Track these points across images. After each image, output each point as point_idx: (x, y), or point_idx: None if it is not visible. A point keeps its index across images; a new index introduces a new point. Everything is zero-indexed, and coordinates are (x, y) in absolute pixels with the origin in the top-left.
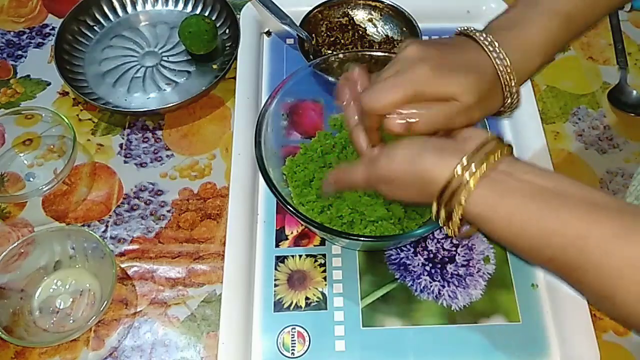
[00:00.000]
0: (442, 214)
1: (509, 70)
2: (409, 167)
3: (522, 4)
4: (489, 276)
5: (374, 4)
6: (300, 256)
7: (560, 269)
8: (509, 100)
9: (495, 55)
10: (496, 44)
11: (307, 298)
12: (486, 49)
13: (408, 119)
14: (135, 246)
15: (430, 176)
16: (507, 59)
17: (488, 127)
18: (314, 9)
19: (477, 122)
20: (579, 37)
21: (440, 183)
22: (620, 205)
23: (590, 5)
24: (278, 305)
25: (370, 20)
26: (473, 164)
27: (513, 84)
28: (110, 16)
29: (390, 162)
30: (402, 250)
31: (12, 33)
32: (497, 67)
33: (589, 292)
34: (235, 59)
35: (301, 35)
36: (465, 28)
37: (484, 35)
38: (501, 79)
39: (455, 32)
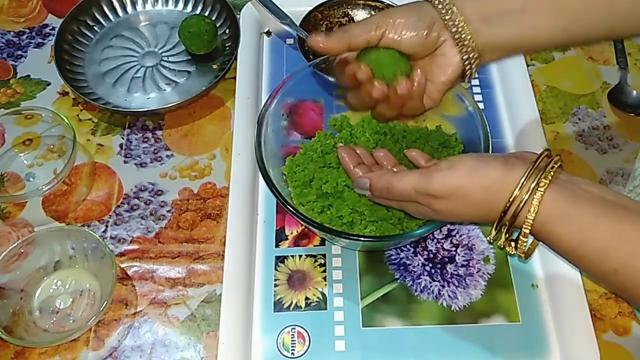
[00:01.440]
0: (506, 228)
1: (457, 23)
2: (475, 176)
3: None
4: (489, 276)
5: (374, 4)
6: (300, 256)
7: (625, 282)
8: (465, 56)
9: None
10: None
11: (307, 298)
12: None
13: None
14: (135, 246)
15: (498, 186)
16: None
17: (488, 126)
18: (314, 9)
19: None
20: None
21: (508, 192)
22: None
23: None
24: (278, 305)
25: None
26: (540, 172)
27: (460, 30)
28: (110, 16)
29: (453, 171)
30: (402, 250)
31: (12, 33)
32: (442, 17)
33: None
34: (235, 59)
35: (301, 35)
36: None
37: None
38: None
39: None
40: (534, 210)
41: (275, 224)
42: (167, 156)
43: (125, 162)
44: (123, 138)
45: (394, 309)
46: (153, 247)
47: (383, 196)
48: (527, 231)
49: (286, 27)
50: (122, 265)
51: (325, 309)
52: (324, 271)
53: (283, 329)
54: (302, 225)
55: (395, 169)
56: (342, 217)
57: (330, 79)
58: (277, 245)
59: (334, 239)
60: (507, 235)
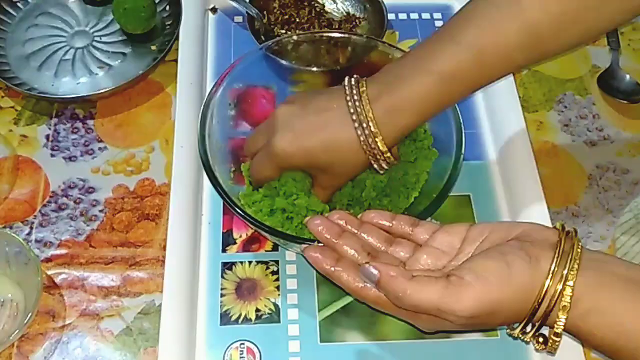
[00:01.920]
0: (535, 328)
1: (372, 138)
2: (508, 285)
3: (408, 58)
4: None
5: None
6: (249, 263)
7: None
8: (375, 165)
9: (357, 124)
10: (364, 104)
11: (257, 310)
12: (351, 117)
13: None
14: (63, 250)
15: (529, 288)
16: (370, 126)
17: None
18: None
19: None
20: (469, 95)
21: (537, 290)
22: None
23: (479, 66)
24: (225, 318)
25: None
26: (566, 262)
27: (377, 149)
28: None
29: (484, 284)
30: None
31: None
32: (358, 136)
33: None
34: (177, 39)
35: (251, 13)
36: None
37: (354, 91)
38: (363, 146)
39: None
40: (566, 309)
41: (222, 226)
42: (100, 149)
43: (52, 155)
44: (50, 128)
45: (356, 322)
46: (84, 251)
47: (391, 301)
48: (559, 331)
49: (234, 4)
50: (49, 272)
51: (279, 322)
52: (277, 280)
53: (231, 344)
54: (251, 228)
55: (405, 258)
56: (295, 218)
57: (284, 62)
58: (224, 250)
59: (288, 244)
60: (535, 331)
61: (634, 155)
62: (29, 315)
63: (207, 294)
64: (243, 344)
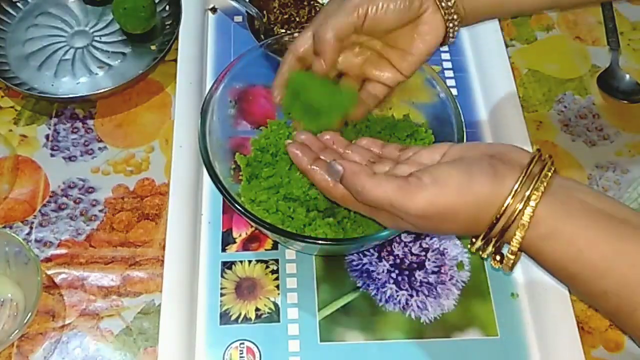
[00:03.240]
0: (494, 243)
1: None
2: (464, 194)
3: None
4: (463, 284)
5: None
6: (249, 262)
7: (618, 305)
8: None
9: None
10: None
11: (257, 309)
12: None
13: None
14: (63, 250)
15: (487, 201)
16: None
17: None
18: None
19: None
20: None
21: (496, 206)
22: None
23: None
24: (225, 317)
25: None
26: (532, 183)
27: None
28: None
29: (441, 189)
30: (364, 255)
31: None
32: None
33: None
34: (177, 38)
35: (251, 12)
36: None
37: None
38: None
39: None
40: (524, 228)
41: (221, 225)
42: (100, 149)
43: (52, 155)
44: (50, 128)
45: (355, 322)
46: (83, 251)
47: (353, 196)
48: (515, 249)
49: (234, 3)
50: (49, 272)
51: (278, 321)
52: (277, 279)
53: (230, 344)
54: (251, 226)
55: (374, 167)
56: (296, 216)
57: None
58: (223, 250)
59: (288, 242)
60: (493, 249)
61: (634, 155)
62: (28, 315)
63: (206, 293)
64: (243, 343)
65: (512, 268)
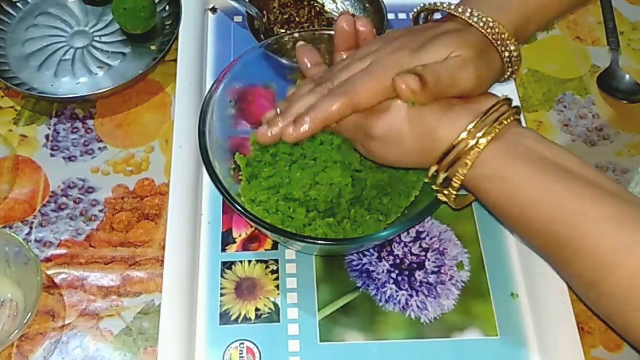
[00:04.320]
0: (442, 176)
1: (490, 24)
2: (413, 123)
3: None
4: (463, 284)
5: None
6: (249, 262)
7: (548, 244)
8: (506, 54)
9: (468, 14)
10: (467, 7)
11: (257, 309)
12: (457, 13)
13: (417, 74)
14: (63, 250)
15: (435, 136)
16: (482, 14)
17: None
18: None
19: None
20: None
21: (446, 143)
22: (621, 191)
23: None
24: (225, 317)
25: None
26: (483, 129)
27: (501, 35)
28: None
29: (391, 113)
30: (364, 255)
31: None
32: (474, 23)
33: (575, 276)
34: (176, 38)
35: (251, 12)
36: (430, 3)
37: (451, 5)
38: (485, 33)
39: (417, 9)
40: (467, 166)
41: (221, 225)
42: (99, 149)
43: (52, 155)
44: (49, 128)
45: (355, 322)
46: (83, 251)
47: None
48: (456, 185)
49: (234, 3)
50: (49, 272)
51: (278, 321)
52: (277, 279)
53: (230, 344)
54: (251, 226)
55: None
56: (296, 216)
57: (284, 61)
58: (223, 250)
59: (288, 241)
60: (442, 182)
61: (634, 155)
62: (28, 315)
63: (206, 293)
64: (243, 343)
65: (460, 205)
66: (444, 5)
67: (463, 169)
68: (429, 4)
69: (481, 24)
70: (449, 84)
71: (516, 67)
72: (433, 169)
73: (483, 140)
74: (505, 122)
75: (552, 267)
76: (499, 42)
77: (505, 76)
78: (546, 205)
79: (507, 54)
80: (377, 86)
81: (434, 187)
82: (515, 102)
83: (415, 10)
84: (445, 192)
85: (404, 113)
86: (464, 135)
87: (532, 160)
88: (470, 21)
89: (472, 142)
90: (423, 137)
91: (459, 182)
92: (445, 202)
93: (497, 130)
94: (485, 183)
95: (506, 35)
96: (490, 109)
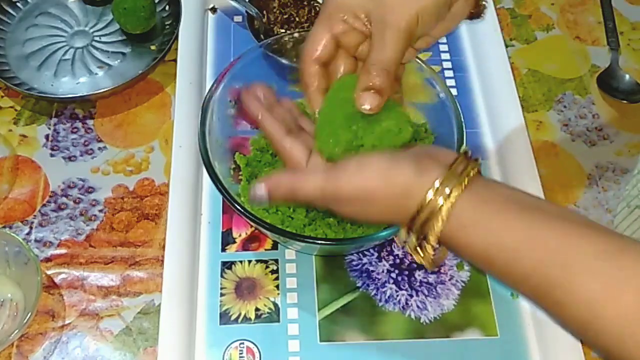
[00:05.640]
0: (416, 235)
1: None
2: (384, 181)
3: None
4: (463, 284)
5: None
6: (249, 262)
7: (537, 287)
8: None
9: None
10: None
11: (257, 309)
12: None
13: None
14: (63, 250)
15: (406, 193)
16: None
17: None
18: None
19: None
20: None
21: (416, 199)
22: (603, 227)
23: None
24: (225, 317)
25: None
26: (453, 181)
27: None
28: None
29: (362, 172)
30: (364, 255)
31: None
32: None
33: (569, 317)
34: (176, 38)
35: (250, 12)
36: None
37: None
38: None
39: None
40: (442, 222)
41: (221, 225)
42: (99, 149)
43: (52, 155)
44: (49, 128)
45: (355, 322)
46: (83, 251)
47: (289, 201)
48: (432, 241)
49: (234, 3)
50: (49, 272)
51: (278, 321)
52: (277, 279)
53: (230, 343)
54: (251, 226)
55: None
56: (296, 216)
57: (284, 61)
58: (223, 250)
59: (288, 241)
60: (416, 242)
61: (634, 155)
62: (28, 315)
63: (206, 293)
64: (243, 343)
65: (436, 264)
66: None
67: (437, 224)
68: None
69: None
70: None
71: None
72: (403, 231)
73: (454, 194)
74: (472, 173)
75: (546, 314)
76: None
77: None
78: (531, 247)
79: None
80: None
81: (407, 248)
82: (515, 102)
83: None
84: (421, 252)
85: (375, 170)
86: (433, 190)
87: (508, 205)
88: None
89: (442, 198)
90: (394, 194)
91: (435, 239)
92: (421, 262)
93: (465, 182)
94: (464, 235)
95: None
96: (454, 162)
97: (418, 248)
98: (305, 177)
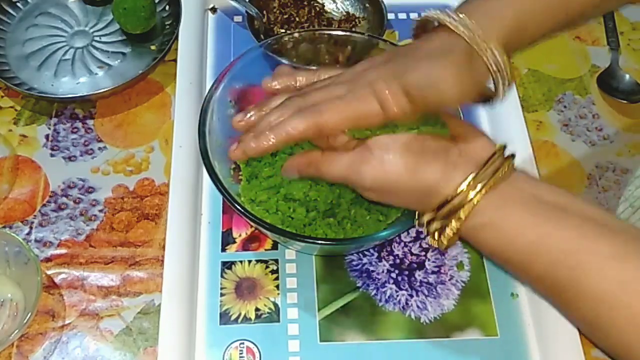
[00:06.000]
0: (436, 225)
1: (479, 32)
2: (408, 176)
3: None
4: (463, 284)
5: None
6: (249, 262)
7: (550, 288)
8: (492, 62)
9: (455, 23)
10: (460, 14)
11: (257, 309)
12: (447, 23)
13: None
14: (63, 250)
15: (432, 190)
16: (471, 21)
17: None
18: None
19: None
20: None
21: (441, 197)
22: (620, 226)
23: None
24: (225, 317)
25: None
26: (480, 184)
27: (488, 44)
28: None
29: (386, 167)
30: (364, 255)
31: None
32: (460, 33)
33: (580, 317)
34: (176, 38)
35: (251, 12)
36: (425, 14)
37: (445, 12)
38: (469, 41)
39: (414, 24)
40: (462, 219)
41: (221, 225)
42: (100, 149)
43: (52, 155)
44: (49, 128)
45: (355, 322)
46: (83, 251)
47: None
48: (450, 234)
49: (234, 3)
50: (49, 272)
51: (278, 321)
52: (277, 279)
53: (230, 343)
54: (251, 226)
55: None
56: (296, 216)
57: (284, 61)
58: (223, 250)
59: (288, 241)
60: (436, 230)
61: (634, 155)
62: (28, 315)
63: (206, 293)
64: (243, 343)
65: (446, 248)
66: (435, 14)
67: (457, 222)
68: (423, 15)
69: (467, 32)
70: (431, 95)
71: (507, 80)
72: (428, 216)
73: (477, 198)
74: (500, 175)
75: (561, 314)
76: (484, 50)
77: (494, 87)
78: (545, 247)
79: (492, 62)
80: (347, 113)
81: (427, 232)
82: (515, 102)
83: (412, 25)
84: (436, 239)
85: (402, 166)
86: (463, 188)
87: (528, 204)
88: (457, 31)
89: (470, 196)
90: (421, 189)
91: (454, 233)
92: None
93: (490, 185)
94: (481, 232)
95: (493, 44)
96: (488, 160)
97: (436, 233)
98: (330, 161)
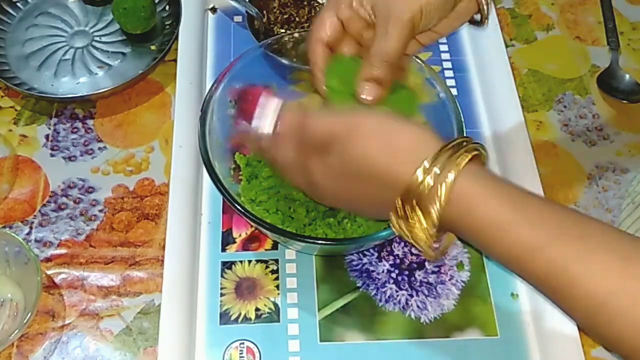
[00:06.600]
0: (415, 212)
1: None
2: (384, 144)
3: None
4: (463, 284)
5: None
6: (249, 262)
7: (552, 292)
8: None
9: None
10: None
11: (257, 309)
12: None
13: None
14: (63, 250)
15: (406, 158)
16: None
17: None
18: None
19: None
20: None
21: (417, 163)
22: (615, 229)
23: None
24: (225, 317)
25: None
26: (459, 150)
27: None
28: None
29: (362, 137)
30: (364, 255)
31: None
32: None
33: (579, 320)
34: (176, 38)
35: (251, 12)
36: None
37: None
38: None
39: None
40: (440, 201)
41: (221, 225)
42: (100, 149)
43: (52, 155)
44: (49, 128)
45: (355, 322)
46: (83, 251)
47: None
48: (431, 220)
49: (234, 3)
50: (49, 272)
51: (278, 321)
52: (277, 279)
53: (230, 343)
54: (251, 226)
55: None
56: (296, 216)
57: (284, 61)
58: (223, 250)
59: (288, 241)
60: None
61: (634, 155)
62: (28, 315)
63: (206, 293)
64: (243, 343)
65: (442, 254)
66: None
67: (434, 205)
68: None
69: None
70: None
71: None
72: (399, 202)
73: (449, 177)
74: (466, 157)
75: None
76: None
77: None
78: (513, 230)
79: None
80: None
81: (402, 230)
82: (515, 102)
83: None
84: (426, 228)
85: (378, 130)
86: (421, 170)
87: (496, 187)
88: None
89: (430, 177)
90: (395, 157)
91: (435, 218)
92: (432, 256)
93: (467, 158)
94: (459, 222)
95: None
96: (448, 144)
97: (417, 235)
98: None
